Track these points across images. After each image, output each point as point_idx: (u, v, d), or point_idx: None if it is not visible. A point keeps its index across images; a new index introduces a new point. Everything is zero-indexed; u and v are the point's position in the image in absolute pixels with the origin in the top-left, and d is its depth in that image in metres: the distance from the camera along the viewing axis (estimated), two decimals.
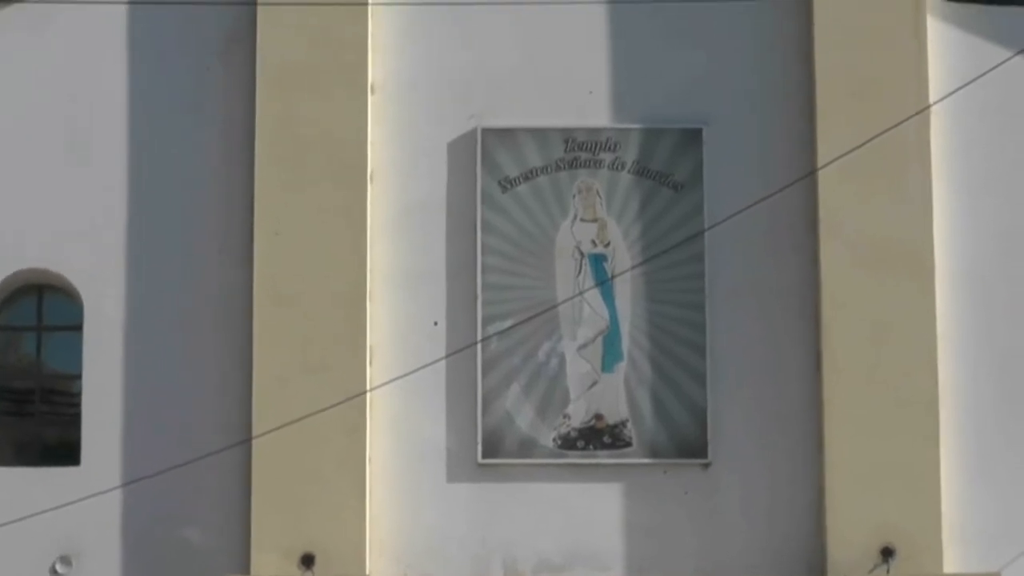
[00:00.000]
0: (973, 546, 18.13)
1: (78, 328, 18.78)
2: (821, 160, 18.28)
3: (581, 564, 18.27)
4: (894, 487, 17.89)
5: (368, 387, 18.05)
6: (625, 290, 18.60)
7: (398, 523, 18.41)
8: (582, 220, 18.85)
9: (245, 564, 17.72)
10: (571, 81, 19.19)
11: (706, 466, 18.30)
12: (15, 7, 19.52)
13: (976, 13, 19.07)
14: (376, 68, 19.02)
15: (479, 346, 18.63)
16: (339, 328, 18.33)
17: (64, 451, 18.63)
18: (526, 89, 19.18)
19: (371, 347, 18.37)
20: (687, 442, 18.39)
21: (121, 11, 19.28)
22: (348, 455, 17.98)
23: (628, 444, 18.39)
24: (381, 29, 19.11)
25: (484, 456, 18.34)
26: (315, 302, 18.35)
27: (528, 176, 18.90)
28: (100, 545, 18.35)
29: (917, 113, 18.41)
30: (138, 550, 18.42)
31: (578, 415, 18.43)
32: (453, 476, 18.48)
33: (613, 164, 18.89)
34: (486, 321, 18.57)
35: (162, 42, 19.30)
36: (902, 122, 18.20)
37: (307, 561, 17.60)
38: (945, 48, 19.05)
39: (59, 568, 18.29)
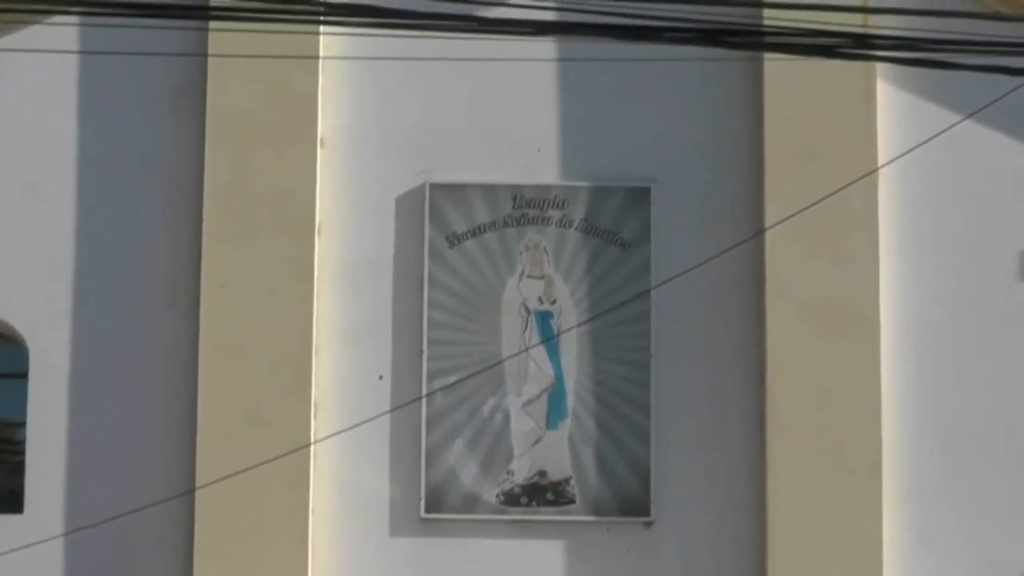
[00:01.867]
0: None
1: (23, 376, 18.61)
2: (769, 221, 18.25)
3: None
4: (836, 552, 17.79)
5: (312, 440, 17.88)
6: (571, 347, 18.52)
7: None
8: (529, 277, 18.73)
9: None
10: (520, 138, 19.10)
11: (649, 524, 18.13)
12: None
13: (926, 79, 17.61)
14: (326, 122, 18.87)
15: (424, 401, 18.40)
16: (284, 381, 18.18)
17: (7, 498, 18.47)
18: (475, 145, 19.07)
19: (315, 400, 18.21)
20: (630, 500, 18.25)
21: (72, 61, 18.89)
22: (291, 507, 17.82)
23: (571, 501, 18.31)
24: (332, 83, 19.05)
25: (427, 511, 18.19)
26: (260, 354, 18.16)
27: (476, 232, 18.88)
28: None
29: (865, 176, 18.39)
30: None
31: (522, 471, 18.36)
32: (396, 530, 18.28)
33: (561, 221, 18.87)
34: (431, 376, 18.43)
35: (112, 92, 19.05)
36: (849, 184, 18.09)
37: None
38: (895, 113, 19.01)
39: None
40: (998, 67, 16.15)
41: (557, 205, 18.71)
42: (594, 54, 17.71)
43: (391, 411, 18.07)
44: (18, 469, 18.36)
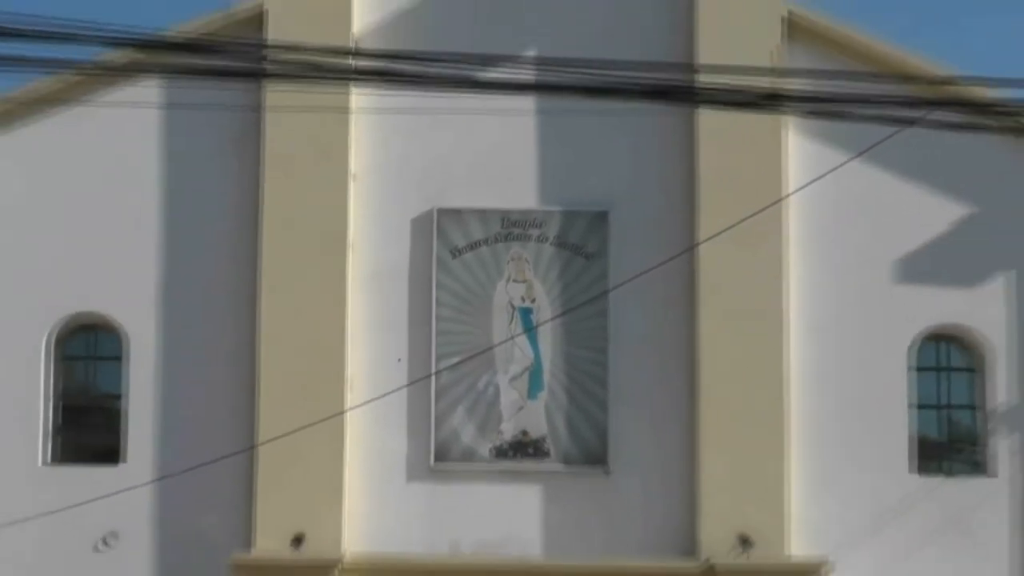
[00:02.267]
0: (811, 537, 18.67)
1: (119, 359, 19.18)
2: (700, 237, 18.81)
3: (509, 546, 18.63)
4: (750, 491, 18.46)
5: (346, 408, 18.48)
6: (547, 336, 19.10)
7: (367, 514, 18.79)
8: (514, 281, 19.26)
9: (248, 545, 18.11)
10: (508, 172, 19.60)
11: (607, 472, 18.84)
12: (77, 109, 19.36)
13: (829, 126, 18.65)
14: (356, 161, 19.40)
15: (433, 378, 19.05)
16: (324, 362, 18.77)
17: (109, 453, 18.93)
18: (472, 179, 19.62)
19: (349, 377, 18.76)
20: (592, 454, 18.96)
21: (154, 112, 19.39)
22: (330, 459, 18.39)
23: (547, 455, 18.99)
24: (360, 131, 19.43)
25: (435, 462, 18.91)
26: (305, 342, 18.74)
27: (473, 246, 19.40)
28: (136, 527, 18.63)
29: (774, 203, 18.77)
30: (165, 533, 18.76)
31: (508, 432, 18.96)
32: (411, 477, 19.00)
33: (539, 238, 19.40)
34: (438, 358, 19.03)
35: (190, 135, 19.42)
36: (763, 209, 18.38)
37: (297, 542, 17.98)
38: (802, 151, 19.53)
39: (108, 541, 18.54)
40: (880, 117, 16.79)
41: (536, 225, 19.34)
42: (565, 107, 17.33)
43: (407, 385, 18.74)
44: (116, 431, 18.89)
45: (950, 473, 19.69)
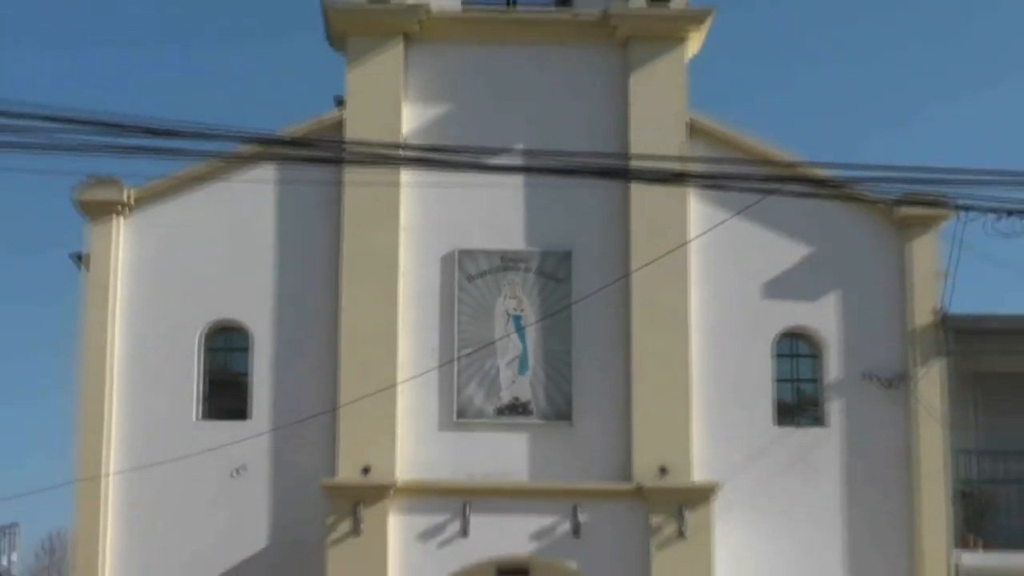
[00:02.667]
0: (706, 468, 20.33)
1: (246, 350, 21.16)
2: (633, 268, 20.63)
3: (506, 474, 20.20)
4: (667, 437, 20.28)
5: (398, 382, 20.31)
6: (530, 335, 20.93)
7: (412, 453, 20.48)
8: (509, 297, 21.05)
9: (333, 473, 19.82)
10: (504, 226, 21.32)
11: (571, 425, 20.74)
12: (219, 183, 21.34)
13: (717, 195, 20.33)
14: (404, 217, 21.13)
15: (455, 361, 20.79)
16: (384, 351, 20.48)
17: (240, 411, 20.81)
18: (480, 230, 21.31)
19: (400, 361, 20.47)
20: (561, 412, 20.73)
21: (271, 185, 21.16)
22: (387, 417, 20.15)
23: (531, 413, 20.76)
24: (407, 198, 21.08)
25: (457, 418, 20.71)
26: (371, 338, 20.43)
27: (482, 275, 21.11)
28: (257, 462, 20.26)
29: (682, 245, 20.70)
30: (277, 466, 20.47)
31: (506, 398, 20.83)
32: (441, 428, 20.75)
33: (525, 269, 21.17)
34: (459, 349, 20.83)
35: (294, 200, 21.16)
36: (673, 250, 20.38)
37: (365, 471, 19.67)
38: (699, 212, 21.12)
39: (239, 471, 20.26)
40: (751, 188, 18.96)
41: (523, 260, 21.18)
42: (542, 182, 19.98)
43: (439, 367, 20.70)
44: (244, 398, 20.82)
45: (799, 425, 21.25)
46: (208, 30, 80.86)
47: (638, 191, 20.67)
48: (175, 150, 14.97)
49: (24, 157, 12.75)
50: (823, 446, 21.01)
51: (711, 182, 19.68)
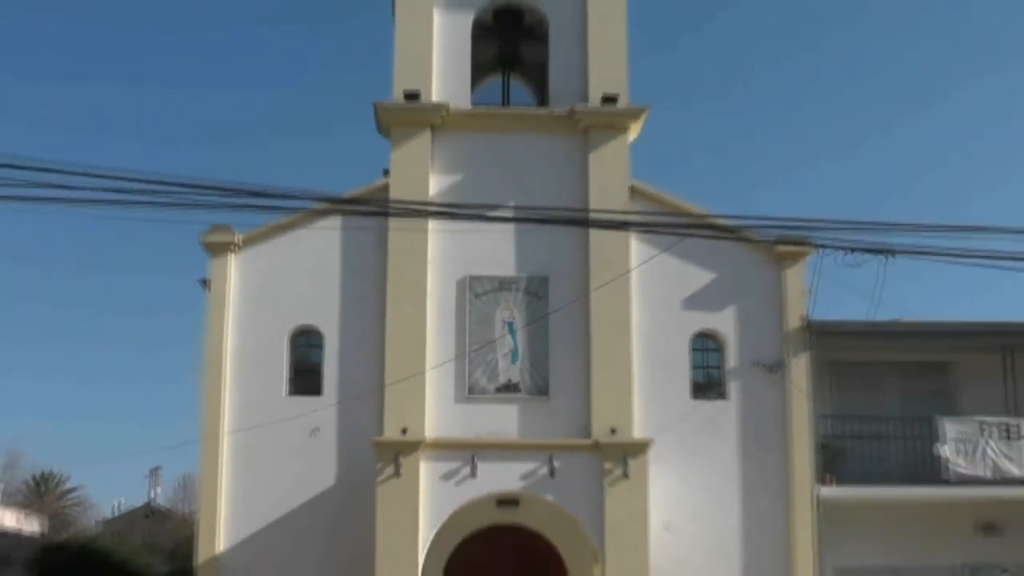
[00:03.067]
0: (643, 428, 21.04)
1: (320, 346, 21.70)
2: (592, 289, 21.39)
3: (502, 433, 20.68)
4: (615, 407, 21.01)
5: (426, 369, 21.05)
6: (520, 336, 21.47)
7: (437, 418, 21.06)
8: (504, 310, 21.59)
9: (381, 433, 20.29)
10: (500, 258, 21.78)
11: (548, 398, 21.36)
12: (301, 230, 22.00)
13: (650, 237, 21.36)
14: (431, 253, 21.60)
15: (467, 355, 21.39)
16: (416, 349, 21.13)
17: (315, 387, 21.45)
18: (484, 261, 21.74)
19: (428, 354, 21.05)
20: (541, 389, 21.36)
21: (336, 232, 21.88)
22: (418, 393, 20.83)
23: (520, 391, 21.39)
24: (433, 240, 21.53)
25: (468, 394, 21.32)
26: (408, 339, 21.10)
27: (485, 293, 21.64)
28: (328, 426, 21.24)
29: (626, 272, 21.54)
30: (341, 428, 21.16)
31: (502, 380, 21.46)
32: (456, 401, 21.31)
33: (515, 289, 21.72)
34: (470, 345, 21.38)
35: (357, 241, 21.87)
36: (614, 279, 21.27)
37: (403, 432, 20.41)
38: (638, 250, 21.81)
39: (314, 433, 21.09)
40: (673, 232, 20.30)
41: (514, 283, 21.75)
42: (527, 228, 21.44)
43: (455, 359, 21.46)
44: (319, 380, 21.50)
45: (708, 399, 21.82)
46: (298, 122, 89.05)
47: (595, 235, 21.42)
48: (271, 207, 16.17)
49: (167, 211, 12.71)
50: (725, 414, 21.70)
51: (646, 228, 20.81)
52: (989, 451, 20.86)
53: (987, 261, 14.85)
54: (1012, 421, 21.29)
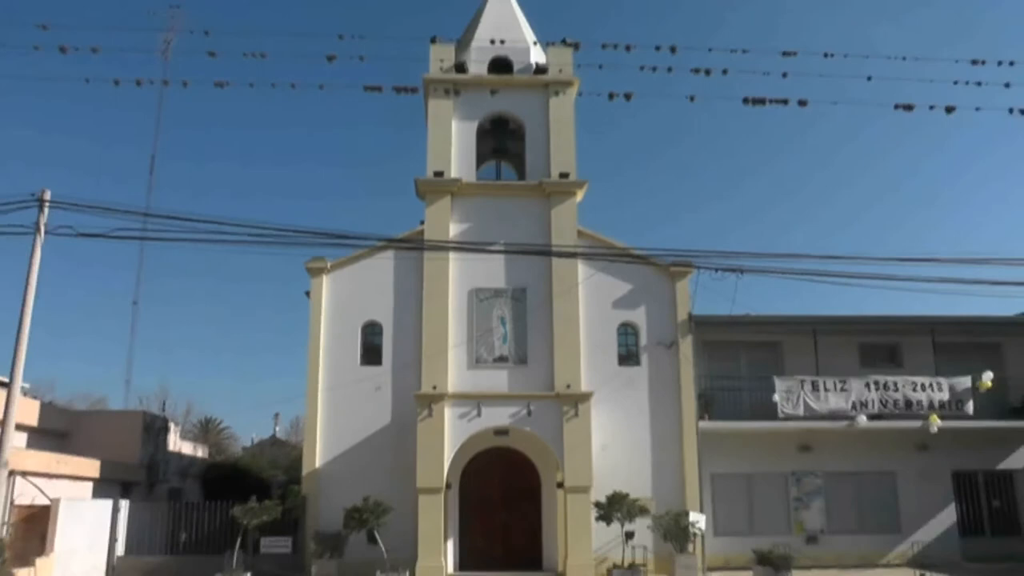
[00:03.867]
0: (588, 383, 20.59)
1: (381, 334, 21.21)
2: (555, 296, 21.10)
3: (497, 389, 20.37)
4: (569, 373, 20.70)
5: (449, 347, 20.72)
6: (509, 327, 21.06)
7: (456, 379, 20.59)
8: (498, 309, 21.29)
9: (419, 388, 19.98)
10: (493, 276, 21.40)
11: (527, 366, 20.94)
12: (364, 261, 21.57)
13: (591, 262, 21.32)
14: (451, 274, 21.30)
15: (474, 340, 21.06)
16: (440, 336, 20.81)
17: (377, 360, 21.00)
18: (485, 278, 21.34)
19: (449, 339, 20.76)
20: (523, 359, 20.99)
21: (390, 261, 21.57)
22: (443, 365, 20.54)
23: (509, 361, 21.03)
24: (453, 265, 21.25)
25: (476, 363, 20.98)
26: (437, 329, 20.84)
27: (486, 299, 21.30)
28: (385, 384, 20.84)
29: (575, 285, 21.21)
30: (395, 385, 20.72)
31: (497, 354, 21.06)
32: (468, 368, 20.89)
33: (505, 296, 21.35)
34: (477, 331, 21.09)
35: (405, 269, 21.53)
36: (571, 288, 20.71)
37: (434, 387, 19.99)
38: (584, 269, 21.44)
39: (378, 388, 20.62)
40: (603, 258, 20.47)
41: (504, 292, 21.35)
42: (513, 256, 21.09)
43: (466, 341, 21.03)
44: (379, 353, 20.97)
45: (629, 365, 21.24)
46: (360, 189, 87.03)
47: (556, 261, 21.18)
48: (350, 245, 17.89)
49: (291, 247, 14.42)
50: (640, 376, 21.34)
51: (587, 257, 21.11)
52: (804, 398, 20.84)
53: (804, 276, 15.44)
54: (817, 379, 21.12)
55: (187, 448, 31.40)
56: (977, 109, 17.67)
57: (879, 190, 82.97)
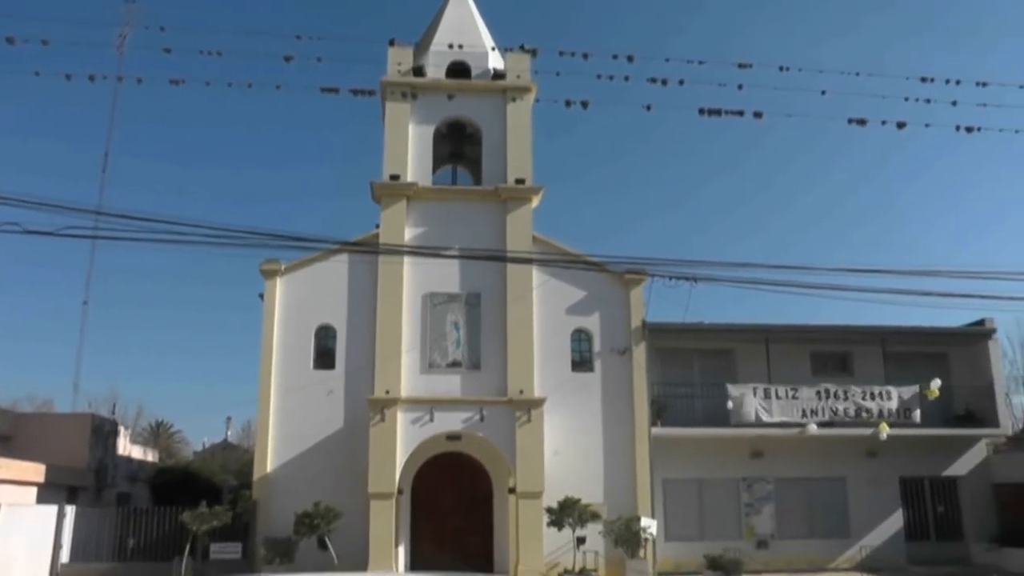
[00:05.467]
0: (541, 390, 20.67)
1: (334, 338, 21.01)
2: (509, 301, 21.19)
3: (451, 394, 20.30)
4: (522, 378, 20.76)
5: (402, 351, 20.69)
6: (463, 332, 21.08)
7: (409, 383, 20.54)
8: (451, 314, 21.34)
9: (373, 392, 19.84)
10: (447, 280, 21.37)
11: (480, 371, 20.95)
12: (318, 263, 21.39)
13: (545, 269, 21.28)
14: (405, 278, 21.22)
15: (428, 344, 21.07)
16: (394, 340, 20.72)
17: (330, 364, 20.83)
18: (440, 282, 21.28)
19: (403, 343, 20.71)
20: (476, 365, 21.03)
21: (345, 264, 21.38)
22: (395, 370, 20.44)
23: (462, 366, 21.03)
24: (407, 270, 21.14)
25: (428, 368, 20.95)
26: (390, 333, 20.74)
27: (440, 304, 21.32)
28: (337, 389, 20.66)
29: (531, 290, 21.41)
30: (348, 388, 20.62)
31: (451, 359, 21.10)
32: (421, 372, 20.84)
33: (458, 301, 21.36)
34: (430, 336, 21.08)
35: (359, 273, 21.34)
36: (525, 294, 20.82)
37: (387, 392, 19.86)
38: (537, 275, 21.59)
39: (330, 392, 20.48)
40: (554, 265, 20.42)
41: (459, 297, 21.35)
42: (467, 262, 20.92)
43: (419, 345, 20.95)
44: (332, 357, 20.85)
45: (582, 371, 21.40)
46: (321, 191, 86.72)
47: (510, 267, 21.30)
48: (305, 247, 17.32)
49: (245, 249, 14.03)
50: (593, 381, 21.54)
51: (542, 262, 21.15)
52: (756, 405, 21.16)
53: (757, 285, 15.42)
54: (770, 386, 21.47)
55: (137, 452, 31.23)
56: (927, 125, 17.73)
57: (831, 201, 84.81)
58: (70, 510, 19.73)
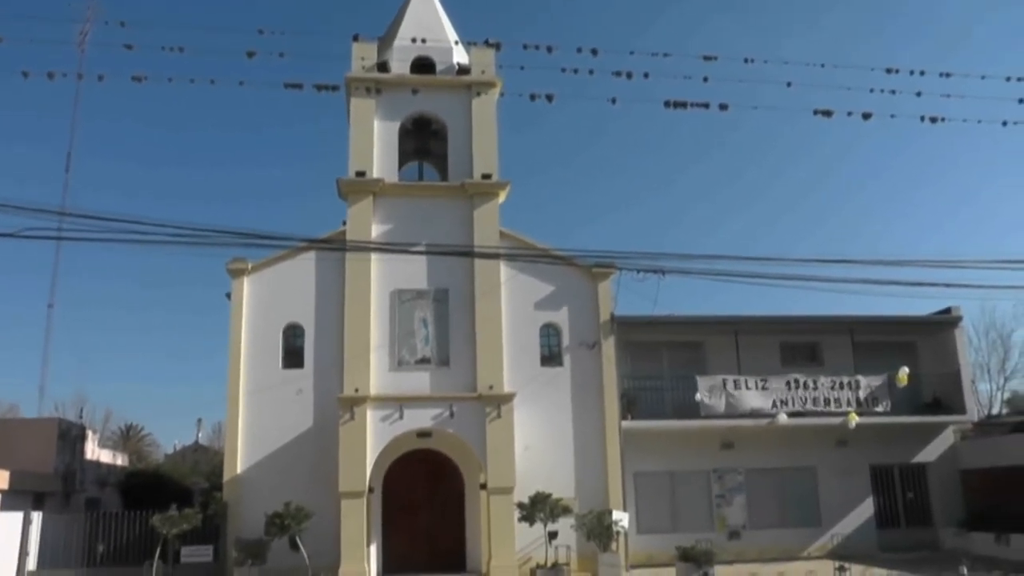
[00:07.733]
0: (511, 385, 20.72)
1: (303, 336, 21.01)
2: (478, 297, 21.29)
3: (420, 391, 20.41)
4: (492, 375, 20.85)
5: (371, 349, 20.74)
6: (431, 329, 21.12)
7: (379, 381, 20.55)
8: (420, 311, 21.37)
9: (343, 391, 19.99)
10: (415, 278, 21.48)
11: (449, 367, 20.97)
12: (288, 261, 21.40)
13: (512, 263, 21.44)
14: (373, 274, 21.26)
15: (397, 342, 21.05)
16: (362, 339, 20.75)
17: (299, 364, 20.77)
18: (408, 279, 21.42)
19: (372, 340, 20.72)
20: (445, 361, 21.08)
21: (312, 262, 21.46)
22: (364, 369, 20.46)
23: (431, 362, 21.12)
24: (375, 266, 21.30)
25: (398, 365, 20.99)
26: (359, 330, 20.73)
27: (409, 300, 21.34)
28: (307, 387, 20.74)
29: (500, 285, 21.40)
30: (317, 389, 20.65)
31: (419, 355, 21.15)
32: (390, 370, 20.87)
33: (427, 297, 21.42)
34: (399, 333, 21.11)
35: (327, 270, 21.40)
36: (494, 289, 20.77)
37: (356, 391, 19.88)
38: (506, 270, 21.62)
39: (298, 392, 20.53)
40: (530, 259, 20.47)
41: (427, 294, 21.39)
42: (435, 257, 21.04)
43: (388, 343, 21.00)
44: (301, 356, 20.88)
45: (551, 366, 21.51)
46: (290, 189, 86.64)
47: (478, 262, 21.36)
48: (271, 246, 17.11)
49: (209, 248, 13.67)
50: (562, 376, 21.69)
51: (509, 257, 21.43)
52: (726, 396, 21.50)
53: (725, 277, 15.77)
54: (739, 378, 21.83)
55: (106, 456, 31.17)
56: (892, 116, 17.55)
57: (798, 193, 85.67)
58: (36, 516, 19.72)
